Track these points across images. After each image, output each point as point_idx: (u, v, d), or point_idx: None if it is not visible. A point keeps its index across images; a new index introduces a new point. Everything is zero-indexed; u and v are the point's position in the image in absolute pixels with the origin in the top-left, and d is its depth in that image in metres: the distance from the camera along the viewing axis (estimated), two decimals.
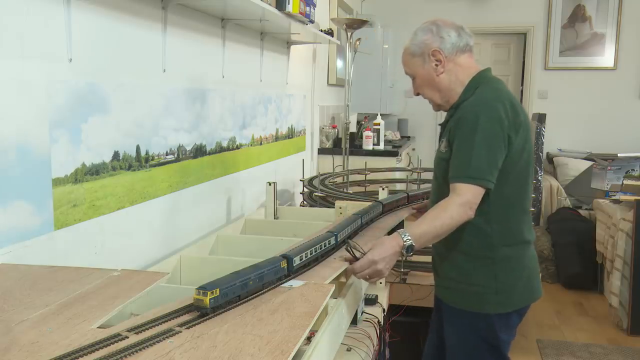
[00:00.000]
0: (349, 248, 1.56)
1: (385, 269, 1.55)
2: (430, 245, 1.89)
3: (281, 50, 3.44)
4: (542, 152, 4.94)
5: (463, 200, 1.57)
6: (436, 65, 1.72)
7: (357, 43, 3.53)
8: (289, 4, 2.51)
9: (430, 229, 1.58)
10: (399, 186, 3.59)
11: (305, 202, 3.11)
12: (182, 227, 2.28)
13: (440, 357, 1.90)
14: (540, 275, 3.20)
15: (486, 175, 1.58)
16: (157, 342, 1.02)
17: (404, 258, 1.53)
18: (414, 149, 5.98)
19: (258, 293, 1.29)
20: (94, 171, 1.71)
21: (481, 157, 1.57)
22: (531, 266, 1.77)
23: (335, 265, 1.61)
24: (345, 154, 3.59)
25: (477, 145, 1.58)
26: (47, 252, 1.53)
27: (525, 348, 3.46)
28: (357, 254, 1.55)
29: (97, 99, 1.71)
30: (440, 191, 1.72)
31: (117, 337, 1.03)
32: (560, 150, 6.06)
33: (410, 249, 1.55)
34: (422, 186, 3.37)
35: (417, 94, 1.83)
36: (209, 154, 2.48)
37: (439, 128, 1.88)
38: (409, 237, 1.55)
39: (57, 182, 1.56)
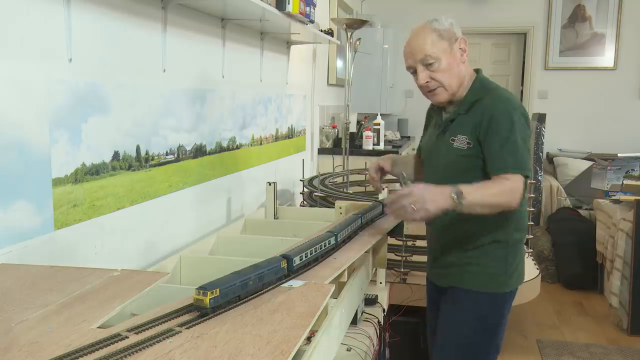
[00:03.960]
0: (400, 174, 1.63)
1: (422, 207, 1.57)
2: (436, 234, 1.93)
3: (281, 50, 3.44)
4: (542, 152, 4.94)
5: (514, 186, 1.66)
6: (461, 53, 1.77)
7: (357, 43, 3.52)
8: (289, 4, 2.51)
9: (479, 189, 1.63)
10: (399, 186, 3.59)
11: (305, 202, 3.11)
12: (182, 227, 2.28)
13: None
14: (540, 275, 3.22)
15: (529, 167, 1.71)
16: (157, 342, 1.02)
17: (456, 202, 1.57)
18: (413, 149, 5.97)
19: (258, 293, 1.28)
20: (94, 171, 1.71)
21: (524, 152, 1.69)
22: (523, 252, 1.92)
23: (335, 265, 1.61)
24: (345, 154, 3.59)
25: (519, 141, 1.68)
26: (47, 252, 1.53)
27: (525, 348, 3.46)
28: (404, 182, 1.61)
29: (97, 99, 1.71)
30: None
31: (117, 337, 1.03)
32: (560, 150, 6.06)
33: (459, 194, 1.57)
34: None
35: (427, 82, 1.76)
36: (209, 154, 2.48)
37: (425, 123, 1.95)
38: (458, 189, 1.59)
39: (57, 182, 1.56)
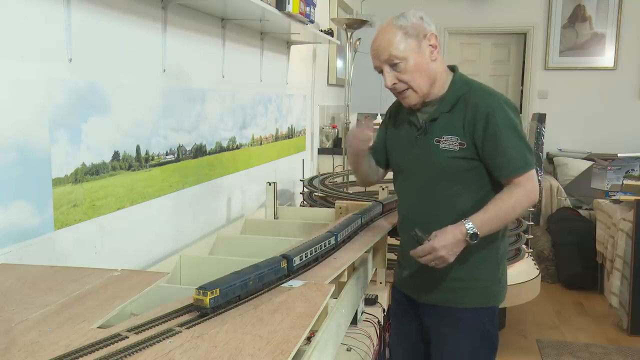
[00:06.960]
0: (414, 235, 1.58)
1: (449, 256, 1.56)
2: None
3: (281, 50, 3.44)
4: (542, 152, 4.94)
5: (527, 190, 1.59)
6: (431, 51, 1.64)
7: (357, 43, 3.52)
8: (289, 4, 2.51)
9: (493, 217, 1.58)
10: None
11: (305, 202, 3.11)
12: (182, 227, 2.28)
13: None
14: (540, 275, 3.21)
15: (533, 158, 1.65)
16: (157, 342, 1.02)
17: (471, 244, 1.56)
18: None
19: (258, 293, 1.28)
20: (94, 171, 1.71)
21: (527, 146, 1.62)
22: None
23: (335, 265, 1.61)
24: (345, 154, 3.58)
25: (521, 136, 1.62)
26: (47, 252, 1.53)
27: (525, 348, 3.46)
28: (421, 240, 1.56)
29: (97, 99, 1.71)
30: (442, 191, 1.67)
31: (117, 337, 1.03)
32: (560, 150, 6.06)
33: (474, 236, 1.55)
34: None
35: (394, 84, 1.65)
36: (209, 154, 2.48)
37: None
38: (472, 226, 1.55)
39: (57, 182, 1.56)
